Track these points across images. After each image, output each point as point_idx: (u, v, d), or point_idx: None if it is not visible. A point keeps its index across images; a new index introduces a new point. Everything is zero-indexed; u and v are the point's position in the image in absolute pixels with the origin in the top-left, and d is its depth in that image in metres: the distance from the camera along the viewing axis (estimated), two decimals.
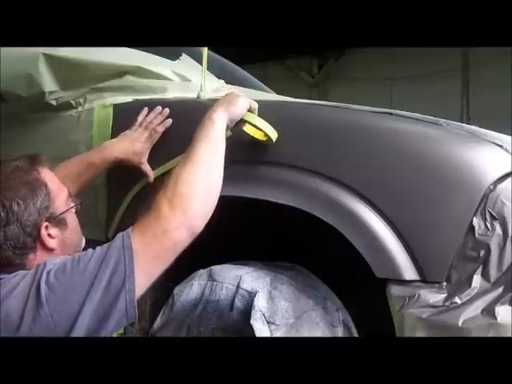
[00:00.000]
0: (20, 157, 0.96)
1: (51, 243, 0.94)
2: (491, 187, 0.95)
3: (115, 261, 0.84)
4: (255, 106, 1.10)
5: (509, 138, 1.06)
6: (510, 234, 0.92)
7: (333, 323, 1.12)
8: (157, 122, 1.28)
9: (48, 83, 1.43)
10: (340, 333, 1.12)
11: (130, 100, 1.39)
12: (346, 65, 7.70)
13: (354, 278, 1.19)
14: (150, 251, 0.86)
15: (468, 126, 1.18)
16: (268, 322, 1.06)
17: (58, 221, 0.96)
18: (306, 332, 1.08)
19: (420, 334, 0.92)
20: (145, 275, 0.86)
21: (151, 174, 1.26)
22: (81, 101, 1.45)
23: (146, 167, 1.27)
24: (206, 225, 0.92)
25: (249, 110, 1.09)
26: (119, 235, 0.88)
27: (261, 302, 1.08)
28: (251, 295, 1.09)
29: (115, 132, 1.34)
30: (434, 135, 1.04)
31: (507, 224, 0.92)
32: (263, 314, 1.07)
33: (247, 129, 1.12)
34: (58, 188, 0.98)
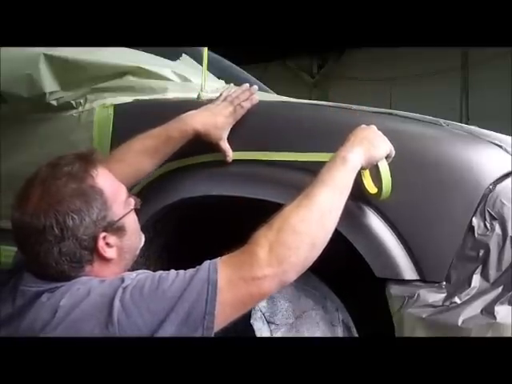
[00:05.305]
0: (72, 160, 0.88)
1: (109, 253, 0.88)
2: (491, 187, 0.95)
3: (197, 293, 0.78)
4: (393, 153, 0.98)
5: (508, 138, 1.06)
6: (509, 234, 0.92)
7: (333, 323, 1.12)
8: (243, 97, 1.15)
9: (48, 83, 1.43)
10: (340, 332, 1.12)
11: (131, 100, 1.39)
12: (345, 65, 7.70)
13: (354, 278, 1.19)
14: (235, 294, 0.79)
15: (467, 126, 1.18)
16: (268, 322, 1.07)
17: (116, 228, 0.89)
18: (305, 331, 1.08)
19: (419, 333, 0.93)
20: (223, 315, 0.79)
21: (230, 153, 1.14)
22: (81, 101, 1.45)
23: (225, 145, 1.14)
24: (206, 225, 0.91)
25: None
26: (205, 265, 0.82)
27: (261, 302, 1.08)
28: None
29: (116, 132, 1.34)
30: (434, 135, 1.04)
31: (506, 224, 0.93)
32: (263, 314, 1.07)
33: (364, 175, 0.98)
34: (115, 191, 0.91)
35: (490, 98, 6.37)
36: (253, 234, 0.83)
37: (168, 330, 0.77)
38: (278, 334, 1.06)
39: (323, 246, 0.85)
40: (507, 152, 0.99)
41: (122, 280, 0.82)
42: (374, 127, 0.98)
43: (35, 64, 1.42)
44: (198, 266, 0.82)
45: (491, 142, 1.01)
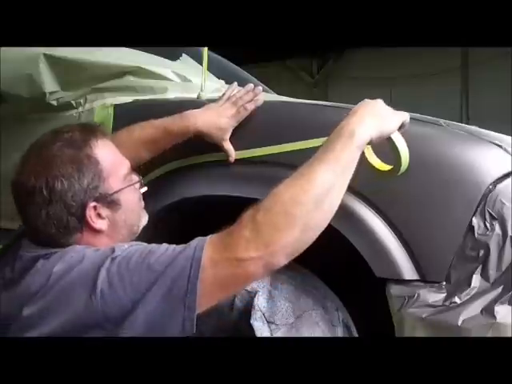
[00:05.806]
0: (74, 128, 0.90)
1: (98, 224, 0.88)
2: (491, 187, 0.95)
3: (180, 269, 0.77)
4: (408, 120, 0.90)
5: (508, 138, 1.06)
6: (509, 234, 0.92)
7: (333, 323, 1.12)
8: (247, 98, 1.13)
9: (48, 83, 1.43)
10: (340, 332, 1.12)
11: (131, 100, 1.39)
12: (345, 65, 7.71)
13: (354, 278, 1.19)
14: (218, 273, 0.77)
15: (467, 126, 1.18)
16: (268, 322, 1.06)
17: (109, 201, 0.89)
18: (305, 332, 1.08)
19: (420, 333, 0.93)
20: (206, 296, 0.77)
21: (233, 154, 1.13)
22: (81, 101, 1.45)
23: (228, 145, 1.12)
24: (205, 225, 0.91)
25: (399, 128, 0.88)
26: (194, 242, 0.80)
27: (261, 302, 1.08)
28: (251, 295, 1.09)
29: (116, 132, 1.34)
30: (434, 135, 1.04)
31: (506, 224, 0.93)
32: (263, 314, 1.07)
33: (367, 152, 0.88)
34: (115, 164, 0.91)
35: (490, 98, 6.37)
36: (242, 214, 0.80)
37: (149, 305, 0.77)
38: (278, 334, 1.06)
39: (321, 229, 0.80)
40: (507, 152, 0.99)
41: (113, 250, 0.82)
42: (380, 100, 0.90)
43: (35, 64, 1.41)
44: (188, 242, 0.81)
45: (491, 142, 1.01)
